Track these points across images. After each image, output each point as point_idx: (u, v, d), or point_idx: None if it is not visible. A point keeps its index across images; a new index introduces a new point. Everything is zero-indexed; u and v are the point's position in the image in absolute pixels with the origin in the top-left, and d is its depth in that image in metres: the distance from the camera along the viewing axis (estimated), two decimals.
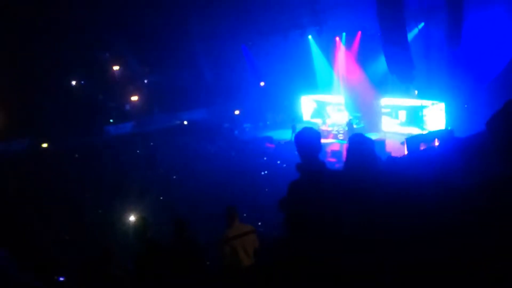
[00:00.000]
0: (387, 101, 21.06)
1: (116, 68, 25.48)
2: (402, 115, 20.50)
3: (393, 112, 20.90)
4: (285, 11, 20.78)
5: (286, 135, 21.94)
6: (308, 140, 3.27)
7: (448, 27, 11.24)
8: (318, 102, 25.09)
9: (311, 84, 25.11)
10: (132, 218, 11.79)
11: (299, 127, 3.52)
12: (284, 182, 3.38)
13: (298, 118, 24.97)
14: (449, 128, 17.01)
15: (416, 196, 2.68)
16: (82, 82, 24.92)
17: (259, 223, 10.23)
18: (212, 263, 6.82)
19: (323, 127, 22.43)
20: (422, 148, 12.76)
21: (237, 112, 26.13)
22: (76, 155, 20.00)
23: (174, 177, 17.00)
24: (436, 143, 12.90)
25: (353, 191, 2.91)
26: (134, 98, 25.70)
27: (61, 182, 15.44)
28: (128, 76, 25.83)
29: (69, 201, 13.84)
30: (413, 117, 19.87)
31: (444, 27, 11.51)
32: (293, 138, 20.79)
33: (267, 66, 25.51)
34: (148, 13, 22.54)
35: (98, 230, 11.45)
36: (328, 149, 18.51)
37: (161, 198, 14.18)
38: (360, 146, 3.14)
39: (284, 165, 16.70)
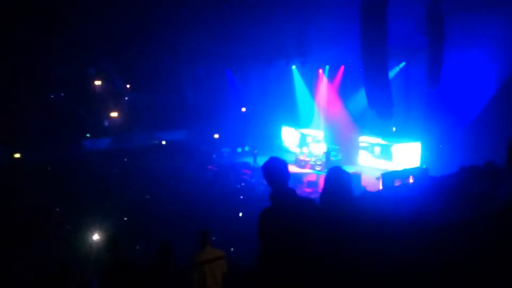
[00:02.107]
0: (365, 138, 21.35)
1: (98, 83, 25.30)
2: (379, 151, 20.78)
3: (370, 147, 21.18)
4: (271, 40, 21.06)
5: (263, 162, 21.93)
6: (275, 169, 3.29)
7: (428, 68, 11.54)
8: (298, 132, 25.31)
9: (292, 113, 25.35)
10: (103, 236, 11.55)
11: (279, 155, 3.59)
12: (259, 208, 3.36)
13: (279, 146, 25.15)
14: (423, 166, 17.31)
15: (389, 233, 2.69)
16: (62, 94, 24.62)
17: (232, 249, 10.11)
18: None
19: (301, 157, 22.55)
20: (396, 184, 12.94)
21: (216, 136, 26.11)
22: (49, 168, 19.57)
23: (147, 196, 16.74)
24: (411, 180, 13.09)
25: (327, 223, 2.91)
26: (114, 114, 25.47)
27: (29, 194, 15.03)
28: (110, 92, 25.64)
29: (36, 215, 13.43)
30: (389, 153, 20.15)
31: (424, 67, 11.83)
32: (255, 165, 21.10)
33: (250, 92, 25.74)
34: (136, 32, 22.57)
35: (66, 248, 11.11)
36: (305, 179, 18.57)
37: (133, 217, 13.91)
38: (338, 180, 3.16)
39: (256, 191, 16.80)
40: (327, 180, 3.21)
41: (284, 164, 3.36)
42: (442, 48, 11.14)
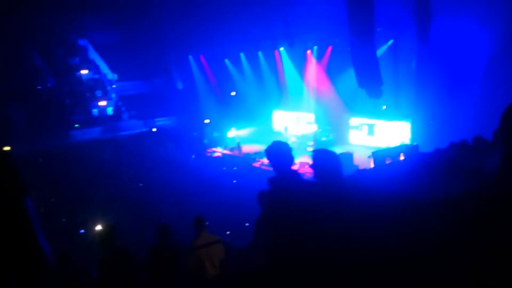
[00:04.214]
0: (356, 120, 21.36)
1: (85, 72, 25.01)
2: (370, 130, 20.82)
3: (361, 126, 21.22)
4: (257, 22, 20.93)
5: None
6: (280, 153, 3.31)
7: (417, 34, 11.56)
8: (287, 114, 25.29)
9: (281, 95, 25.29)
10: (98, 226, 11.55)
11: (273, 138, 3.66)
12: (252, 193, 3.38)
13: (269, 129, 25.16)
14: (414, 143, 17.40)
15: (383, 210, 2.72)
16: (49, 85, 24.30)
17: (228, 232, 10.20)
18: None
19: (293, 139, 22.53)
20: (387, 162, 13.04)
21: (207, 121, 26.00)
22: (40, 159, 19.43)
23: (141, 184, 16.75)
24: (401, 158, 13.21)
25: (322, 205, 2.93)
26: (102, 103, 25.23)
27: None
28: (98, 80, 25.41)
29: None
30: (380, 132, 20.23)
31: (413, 35, 11.84)
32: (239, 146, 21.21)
33: (240, 76, 25.68)
34: (123, 20, 22.37)
35: (61, 239, 11.11)
36: (297, 161, 18.64)
37: (127, 205, 13.92)
38: (325, 162, 3.16)
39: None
40: (315, 164, 3.21)
41: (288, 148, 3.40)
42: (430, 25, 11.16)
